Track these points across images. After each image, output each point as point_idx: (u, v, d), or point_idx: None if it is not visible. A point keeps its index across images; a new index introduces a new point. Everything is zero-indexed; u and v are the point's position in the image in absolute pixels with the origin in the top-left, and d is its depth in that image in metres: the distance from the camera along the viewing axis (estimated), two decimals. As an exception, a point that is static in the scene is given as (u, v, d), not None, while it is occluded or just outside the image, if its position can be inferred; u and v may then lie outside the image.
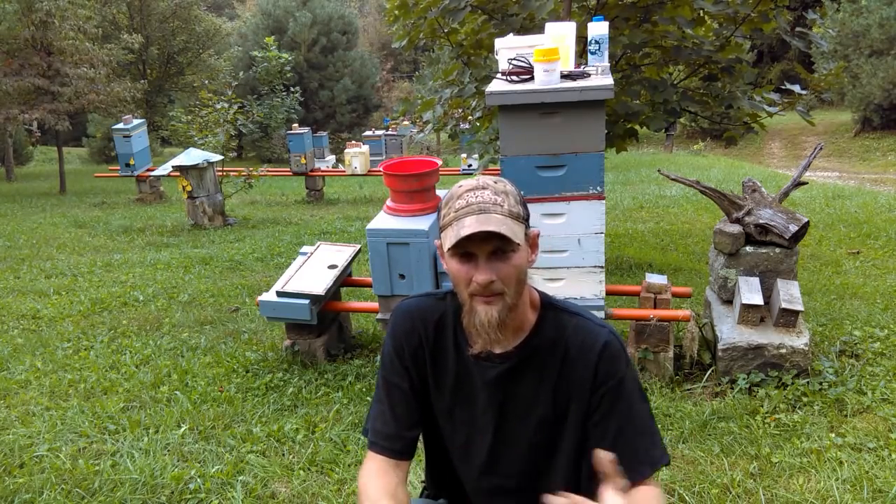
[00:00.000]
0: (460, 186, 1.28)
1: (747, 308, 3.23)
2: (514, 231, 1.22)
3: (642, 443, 1.31)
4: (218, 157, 8.98)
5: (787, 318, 3.19)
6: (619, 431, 1.31)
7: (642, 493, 1.27)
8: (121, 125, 11.39)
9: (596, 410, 1.32)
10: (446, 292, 1.42)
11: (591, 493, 1.46)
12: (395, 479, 1.35)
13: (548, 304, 1.38)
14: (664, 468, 2.36)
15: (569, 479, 1.39)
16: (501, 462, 1.39)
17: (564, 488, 1.38)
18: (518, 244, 1.24)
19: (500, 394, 1.36)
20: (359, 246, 4.09)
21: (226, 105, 10.07)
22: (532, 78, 2.99)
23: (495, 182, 1.28)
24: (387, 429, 1.38)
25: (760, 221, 3.33)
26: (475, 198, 1.24)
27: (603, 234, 3.09)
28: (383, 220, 3.45)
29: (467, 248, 1.23)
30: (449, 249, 1.24)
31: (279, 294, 3.61)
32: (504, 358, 1.35)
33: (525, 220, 1.29)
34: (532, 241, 1.32)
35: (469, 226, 1.21)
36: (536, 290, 1.39)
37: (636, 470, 1.28)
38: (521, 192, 1.32)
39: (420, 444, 1.48)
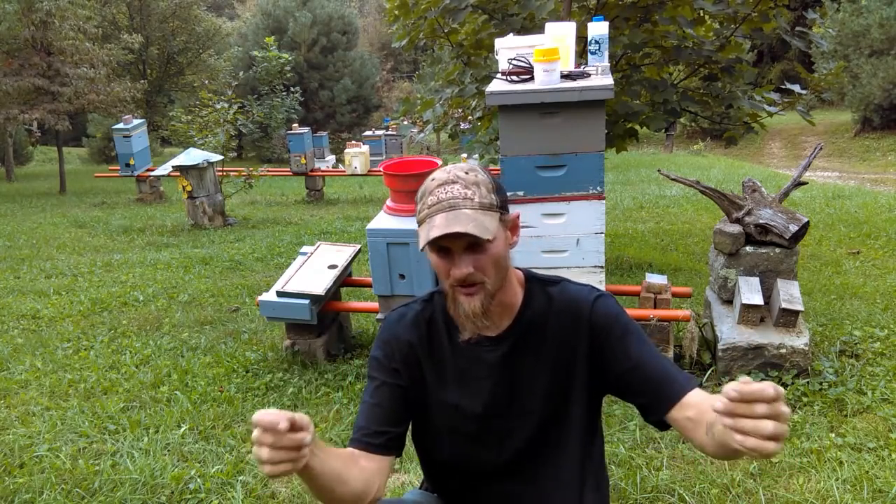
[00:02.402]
0: (433, 180, 1.26)
1: (747, 308, 3.23)
2: (484, 226, 1.21)
3: (669, 367, 1.30)
4: (218, 157, 8.98)
5: (787, 318, 3.19)
6: (640, 354, 1.30)
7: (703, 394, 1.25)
8: (121, 125, 11.38)
9: (608, 353, 1.33)
10: (432, 292, 1.44)
11: (604, 466, 1.47)
12: (361, 461, 1.30)
13: (531, 279, 1.40)
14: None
15: (582, 451, 1.39)
16: (515, 441, 1.39)
17: (579, 461, 1.39)
18: (491, 238, 1.23)
19: (505, 375, 1.37)
20: (359, 246, 4.09)
21: (226, 105, 10.06)
22: (532, 78, 2.99)
23: (466, 173, 1.26)
24: (368, 424, 1.35)
25: (760, 221, 3.33)
26: (445, 194, 1.23)
27: (603, 234, 3.09)
28: (383, 220, 3.45)
29: (441, 244, 1.24)
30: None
31: (279, 294, 3.61)
32: (499, 340, 1.36)
33: (500, 207, 1.27)
34: (511, 224, 1.32)
35: (438, 226, 1.21)
36: (519, 268, 1.40)
37: (678, 381, 1.26)
38: (494, 179, 1.30)
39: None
